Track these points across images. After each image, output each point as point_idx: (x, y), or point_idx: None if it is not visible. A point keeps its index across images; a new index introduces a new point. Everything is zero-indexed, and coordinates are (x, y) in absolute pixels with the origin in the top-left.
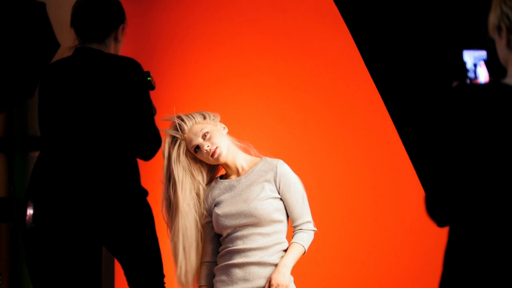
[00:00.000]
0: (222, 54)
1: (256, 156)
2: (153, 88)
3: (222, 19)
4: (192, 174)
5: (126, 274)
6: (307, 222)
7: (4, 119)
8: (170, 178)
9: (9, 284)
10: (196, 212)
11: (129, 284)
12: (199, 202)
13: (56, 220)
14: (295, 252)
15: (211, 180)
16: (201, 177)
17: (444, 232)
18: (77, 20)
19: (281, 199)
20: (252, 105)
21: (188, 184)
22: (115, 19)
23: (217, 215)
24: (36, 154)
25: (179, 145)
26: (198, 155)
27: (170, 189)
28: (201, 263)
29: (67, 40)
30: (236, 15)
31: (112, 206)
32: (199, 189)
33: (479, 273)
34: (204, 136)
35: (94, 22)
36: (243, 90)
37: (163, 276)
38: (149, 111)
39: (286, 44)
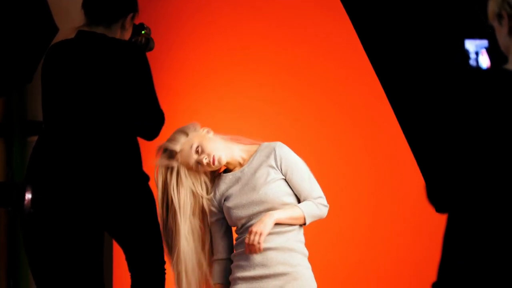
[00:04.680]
0: (221, 43)
1: (252, 143)
2: (150, 45)
3: (222, 7)
4: (196, 192)
5: (127, 259)
6: (318, 197)
7: (2, 104)
8: (168, 208)
9: (7, 270)
10: (198, 232)
11: (129, 269)
12: (202, 214)
13: (55, 205)
14: (290, 210)
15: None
16: (205, 190)
17: (443, 220)
18: (88, 1)
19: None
20: (250, 94)
21: (190, 206)
22: (125, 6)
23: (229, 208)
24: (34, 138)
25: (178, 171)
26: (202, 170)
27: (169, 218)
28: (213, 260)
29: (66, 24)
30: (235, 1)
31: (113, 191)
32: (202, 203)
33: (476, 257)
34: (197, 152)
35: (103, 5)
36: (241, 79)
37: (164, 262)
38: (152, 90)
39: (286, 31)
